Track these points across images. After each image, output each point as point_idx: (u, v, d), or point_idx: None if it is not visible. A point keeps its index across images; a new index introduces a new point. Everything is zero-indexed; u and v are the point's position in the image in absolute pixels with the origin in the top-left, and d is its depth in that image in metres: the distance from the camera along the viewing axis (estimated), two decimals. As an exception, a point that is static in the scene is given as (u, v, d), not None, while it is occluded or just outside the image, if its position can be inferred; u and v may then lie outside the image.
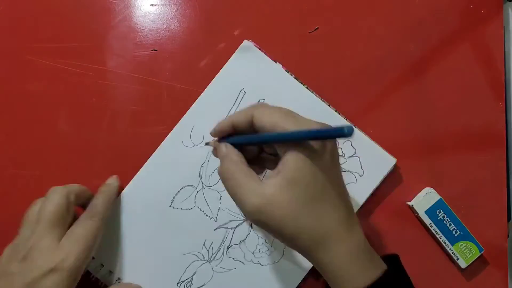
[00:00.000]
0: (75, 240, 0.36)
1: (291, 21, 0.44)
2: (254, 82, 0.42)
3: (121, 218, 0.42)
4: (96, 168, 0.42)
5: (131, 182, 0.42)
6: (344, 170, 0.42)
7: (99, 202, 0.39)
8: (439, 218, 0.42)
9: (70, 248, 0.35)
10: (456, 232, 0.42)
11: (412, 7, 0.45)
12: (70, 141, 0.43)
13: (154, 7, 0.44)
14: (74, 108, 0.43)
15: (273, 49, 0.44)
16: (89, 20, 0.44)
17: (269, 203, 0.29)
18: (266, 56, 0.43)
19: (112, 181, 0.41)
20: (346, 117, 0.43)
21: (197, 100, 0.42)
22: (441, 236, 0.42)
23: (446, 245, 0.42)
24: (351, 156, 0.42)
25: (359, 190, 0.42)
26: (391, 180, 0.43)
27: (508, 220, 0.45)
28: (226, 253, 0.42)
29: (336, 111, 0.42)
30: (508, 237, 0.44)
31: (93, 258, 0.40)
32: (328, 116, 0.42)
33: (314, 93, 0.42)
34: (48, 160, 0.43)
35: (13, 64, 0.43)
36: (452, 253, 0.42)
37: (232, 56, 0.42)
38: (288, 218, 0.29)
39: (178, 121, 0.43)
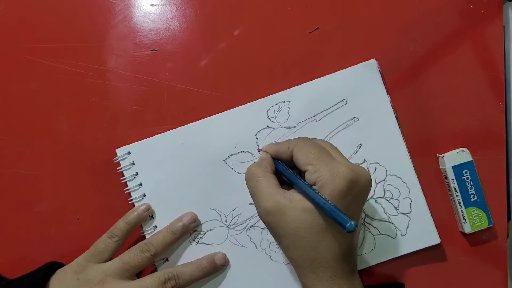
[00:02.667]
0: None
1: (291, 21, 0.44)
2: (358, 99, 0.42)
3: (176, 145, 0.42)
4: (96, 168, 0.42)
5: (207, 119, 0.42)
6: (390, 222, 0.42)
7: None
8: (463, 177, 0.42)
9: None
10: (474, 197, 0.42)
11: (412, 7, 0.45)
12: (70, 141, 0.43)
13: (154, 7, 0.44)
14: (74, 108, 0.43)
15: (273, 49, 0.44)
16: (89, 20, 0.44)
17: (278, 211, 0.33)
18: (382, 83, 0.43)
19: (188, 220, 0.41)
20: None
21: (303, 84, 0.43)
22: (458, 195, 0.42)
23: (460, 205, 0.42)
24: (403, 213, 0.42)
25: (390, 247, 0.42)
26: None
27: (508, 220, 0.45)
28: (247, 230, 0.42)
29: (414, 168, 0.42)
30: (508, 237, 0.44)
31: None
32: (404, 170, 0.42)
33: (405, 142, 0.43)
34: (48, 160, 0.43)
35: (13, 64, 0.43)
36: (462, 215, 0.42)
37: (354, 66, 0.43)
38: (289, 230, 0.33)
39: (178, 121, 0.43)
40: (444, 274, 0.43)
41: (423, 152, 0.44)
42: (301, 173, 0.35)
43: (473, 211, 0.42)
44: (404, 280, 0.43)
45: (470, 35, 0.45)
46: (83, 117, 0.43)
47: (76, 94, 0.43)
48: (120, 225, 0.40)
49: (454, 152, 0.43)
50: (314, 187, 0.32)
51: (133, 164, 0.42)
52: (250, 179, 0.36)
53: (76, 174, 0.42)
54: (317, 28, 0.44)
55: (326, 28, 0.44)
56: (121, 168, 0.42)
